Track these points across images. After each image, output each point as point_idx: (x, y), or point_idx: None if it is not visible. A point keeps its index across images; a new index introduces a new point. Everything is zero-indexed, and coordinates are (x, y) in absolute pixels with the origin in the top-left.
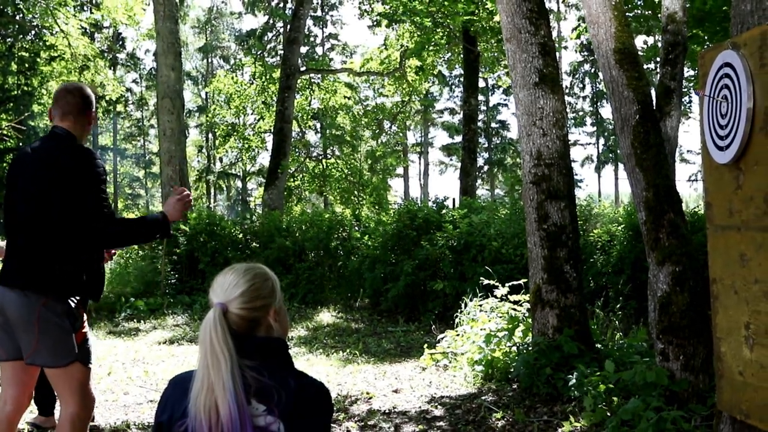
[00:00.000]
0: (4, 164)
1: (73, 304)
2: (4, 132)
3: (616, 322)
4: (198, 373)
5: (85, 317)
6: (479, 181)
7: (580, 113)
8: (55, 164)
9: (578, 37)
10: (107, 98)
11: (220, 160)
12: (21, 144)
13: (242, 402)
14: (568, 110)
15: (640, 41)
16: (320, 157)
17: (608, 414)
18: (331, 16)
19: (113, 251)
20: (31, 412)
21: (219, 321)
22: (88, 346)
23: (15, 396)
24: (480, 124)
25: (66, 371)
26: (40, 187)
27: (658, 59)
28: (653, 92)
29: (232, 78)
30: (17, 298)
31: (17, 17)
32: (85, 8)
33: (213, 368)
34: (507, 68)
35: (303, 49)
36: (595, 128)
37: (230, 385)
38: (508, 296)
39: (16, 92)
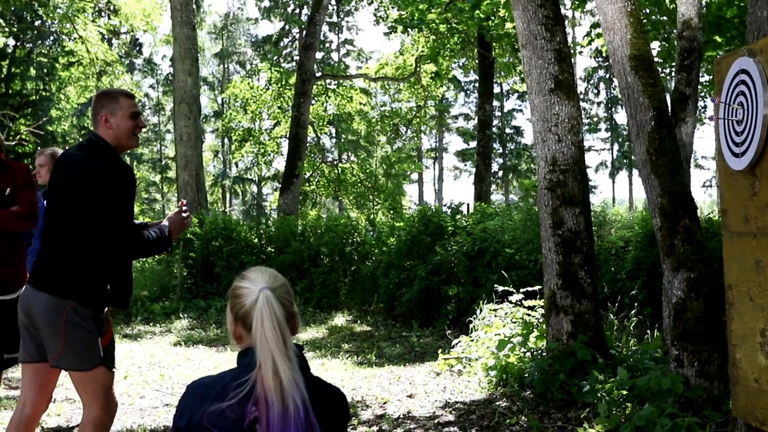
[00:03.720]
0: None
1: (100, 309)
2: (23, 137)
3: (631, 328)
4: (263, 352)
5: (110, 322)
6: (494, 187)
7: (595, 119)
8: (84, 171)
9: (590, 43)
10: None
11: (236, 165)
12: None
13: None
14: (582, 116)
15: (655, 46)
16: (335, 162)
17: (623, 420)
18: (347, 22)
19: None
20: (49, 415)
21: (275, 300)
22: (113, 350)
23: (34, 399)
24: (495, 129)
25: (90, 375)
26: (59, 191)
27: (673, 65)
28: (668, 98)
29: (248, 83)
30: (45, 301)
31: (36, 23)
32: (103, 14)
33: (281, 344)
34: (522, 74)
35: (318, 55)
36: (609, 134)
37: (296, 361)
38: (523, 302)
39: (34, 97)
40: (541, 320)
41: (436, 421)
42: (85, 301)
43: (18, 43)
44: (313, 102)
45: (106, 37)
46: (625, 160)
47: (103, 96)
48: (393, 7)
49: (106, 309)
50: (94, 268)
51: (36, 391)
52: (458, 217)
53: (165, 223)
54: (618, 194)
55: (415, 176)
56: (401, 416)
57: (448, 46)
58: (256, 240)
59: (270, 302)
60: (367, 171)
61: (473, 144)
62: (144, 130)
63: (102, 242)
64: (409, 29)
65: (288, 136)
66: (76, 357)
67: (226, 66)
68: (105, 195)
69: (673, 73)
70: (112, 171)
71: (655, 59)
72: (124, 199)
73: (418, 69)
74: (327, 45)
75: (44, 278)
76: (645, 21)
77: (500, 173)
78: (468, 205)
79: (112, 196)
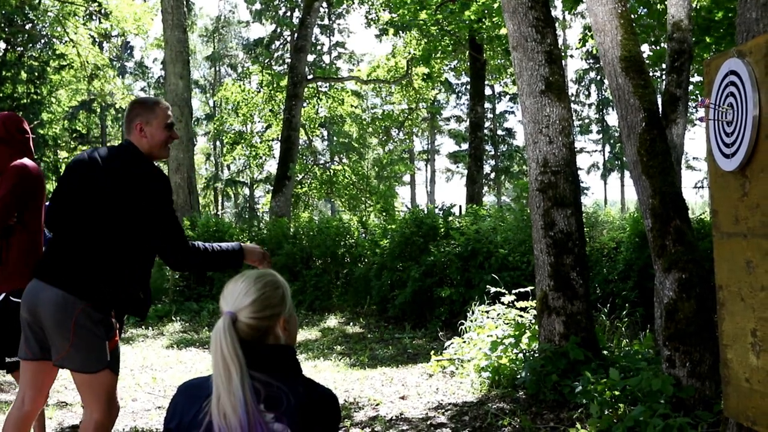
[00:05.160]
0: None
1: (109, 313)
2: None
3: (623, 328)
4: (213, 381)
5: (118, 326)
6: (485, 188)
7: (586, 121)
8: (115, 174)
9: (584, 44)
10: (116, 106)
11: (228, 167)
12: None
13: (253, 411)
14: (574, 118)
15: (645, 49)
16: (327, 164)
17: (615, 421)
18: (338, 24)
19: None
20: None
21: (228, 330)
22: (119, 354)
23: (33, 397)
24: (486, 131)
25: (95, 378)
26: (93, 192)
27: (664, 66)
28: (659, 100)
29: (240, 86)
30: (56, 297)
31: (27, 26)
32: (94, 17)
33: (224, 378)
34: (513, 76)
35: (310, 58)
36: (600, 135)
37: (240, 395)
38: (515, 303)
39: (25, 101)
40: (533, 321)
41: (428, 423)
42: (97, 305)
43: (9, 47)
44: (304, 104)
45: (97, 40)
46: (616, 162)
47: (139, 104)
48: (384, 10)
49: (113, 313)
50: (112, 273)
51: (34, 390)
52: (450, 218)
53: (240, 244)
54: (610, 195)
55: (407, 178)
56: (394, 418)
57: (440, 48)
58: (248, 242)
59: (218, 336)
60: (359, 173)
61: (465, 146)
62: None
63: (131, 248)
64: (400, 31)
65: (280, 138)
66: (82, 359)
67: (217, 69)
68: (132, 202)
69: (663, 75)
70: (141, 178)
71: (646, 61)
72: (162, 202)
73: (409, 71)
74: (318, 47)
75: (59, 274)
76: (635, 24)
77: (492, 175)
78: (460, 206)
79: (142, 202)
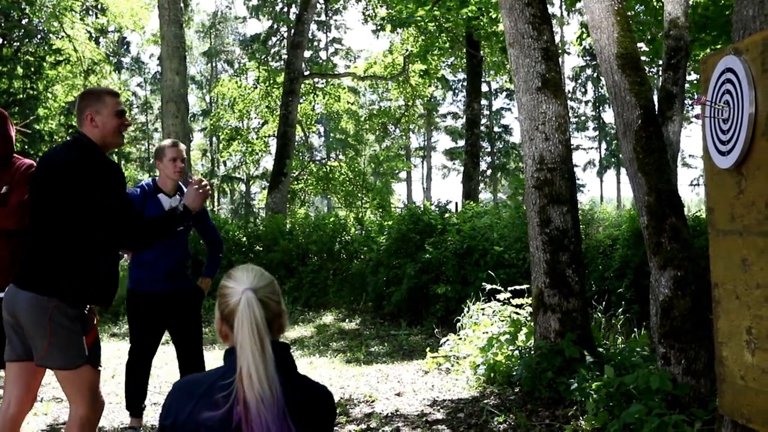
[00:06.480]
0: None
1: (84, 308)
2: None
3: (618, 326)
4: (241, 358)
5: (96, 320)
6: (482, 185)
7: (583, 118)
8: (68, 168)
9: (580, 43)
10: None
11: (224, 163)
12: (26, 147)
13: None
14: (570, 115)
15: (642, 46)
16: (324, 161)
17: (610, 418)
18: (335, 20)
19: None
20: (36, 414)
21: (257, 303)
22: (98, 349)
23: (19, 397)
24: (483, 128)
25: (76, 374)
26: (39, 191)
27: (660, 63)
28: (655, 97)
29: (236, 82)
30: (29, 301)
31: (23, 21)
32: (91, 13)
33: (258, 349)
34: (510, 73)
35: (307, 54)
36: (597, 133)
37: (272, 368)
38: (511, 300)
39: (21, 96)
40: (529, 318)
41: (424, 419)
42: (68, 301)
43: (5, 42)
44: (301, 101)
45: (93, 35)
46: (612, 159)
47: (88, 95)
48: (381, 6)
49: (90, 308)
50: (77, 268)
51: (21, 390)
52: (446, 215)
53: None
54: (606, 193)
55: (403, 175)
56: (389, 414)
57: (437, 44)
58: (244, 239)
59: (251, 305)
60: (356, 169)
61: (461, 143)
62: (130, 128)
63: (89, 240)
64: (397, 28)
65: (276, 134)
66: (61, 356)
67: (214, 65)
68: (86, 195)
69: (660, 72)
70: (94, 170)
71: (642, 58)
72: (113, 194)
73: (406, 68)
74: (315, 43)
75: (28, 278)
76: (632, 21)
77: (488, 172)
78: (456, 203)
79: (95, 194)
